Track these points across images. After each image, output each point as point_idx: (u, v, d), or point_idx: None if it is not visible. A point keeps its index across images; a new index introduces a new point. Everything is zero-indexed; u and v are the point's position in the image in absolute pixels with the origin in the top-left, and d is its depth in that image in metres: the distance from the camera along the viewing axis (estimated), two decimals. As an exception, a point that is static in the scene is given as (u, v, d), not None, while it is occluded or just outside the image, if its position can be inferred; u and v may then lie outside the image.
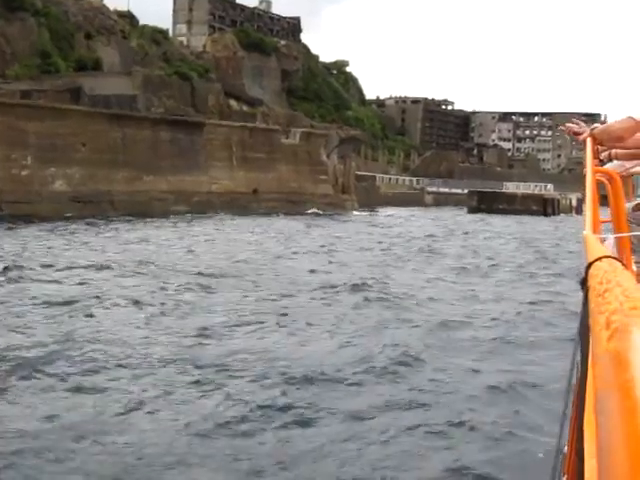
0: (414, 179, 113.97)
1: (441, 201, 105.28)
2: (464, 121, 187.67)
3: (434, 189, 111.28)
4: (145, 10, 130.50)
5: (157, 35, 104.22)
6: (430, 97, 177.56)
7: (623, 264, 1.54)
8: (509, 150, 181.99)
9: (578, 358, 2.09)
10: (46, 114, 58.83)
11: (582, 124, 4.92)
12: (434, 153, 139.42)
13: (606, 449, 0.92)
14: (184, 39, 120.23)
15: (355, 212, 79.79)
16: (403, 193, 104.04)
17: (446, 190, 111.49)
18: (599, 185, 4.46)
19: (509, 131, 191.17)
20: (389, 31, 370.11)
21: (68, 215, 53.81)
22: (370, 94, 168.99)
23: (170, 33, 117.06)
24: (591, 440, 1.37)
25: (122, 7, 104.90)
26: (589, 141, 4.31)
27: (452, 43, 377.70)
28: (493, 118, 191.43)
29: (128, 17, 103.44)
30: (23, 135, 56.49)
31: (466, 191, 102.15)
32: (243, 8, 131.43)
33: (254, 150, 74.82)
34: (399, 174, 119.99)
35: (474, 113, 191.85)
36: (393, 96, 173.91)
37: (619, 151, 4.89)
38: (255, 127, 79.32)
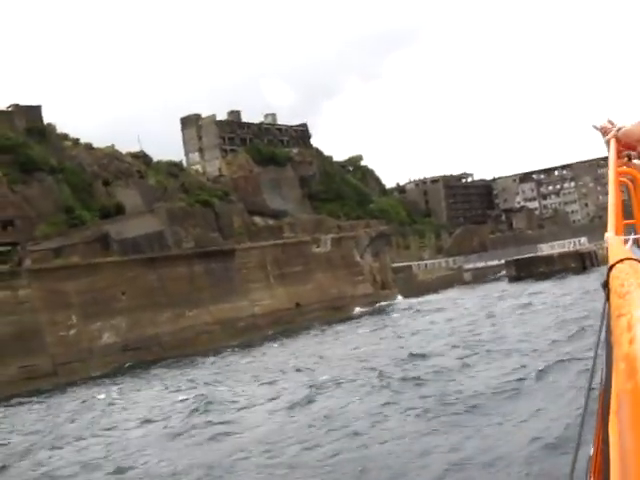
0: (450, 259, 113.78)
1: (479, 276, 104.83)
2: (486, 190, 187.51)
3: (470, 265, 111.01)
4: (156, 147, 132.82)
5: (172, 168, 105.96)
6: (448, 173, 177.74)
7: None
8: (536, 209, 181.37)
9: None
10: (82, 271, 59.98)
11: (615, 123, 4.85)
12: (464, 230, 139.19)
13: (628, 452, 0.93)
14: (199, 167, 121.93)
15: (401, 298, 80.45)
16: (441, 276, 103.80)
17: (482, 264, 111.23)
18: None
19: (532, 190, 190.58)
20: (392, 116, 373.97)
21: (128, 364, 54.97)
22: (389, 182, 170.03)
23: (184, 163, 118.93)
24: (615, 442, 1.36)
25: (134, 148, 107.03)
26: (613, 142, 4.37)
27: (458, 115, 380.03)
28: (514, 181, 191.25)
29: (141, 157, 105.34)
30: (64, 296, 57.55)
31: (502, 261, 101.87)
32: (250, 125, 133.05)
33: (289, 265, 75.40)
34: (433, 256, 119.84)
35: (494, 180, 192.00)
36: (412, 179, 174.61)
37: None
38: (286, 242, 80.00)
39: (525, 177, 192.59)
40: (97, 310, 58.87)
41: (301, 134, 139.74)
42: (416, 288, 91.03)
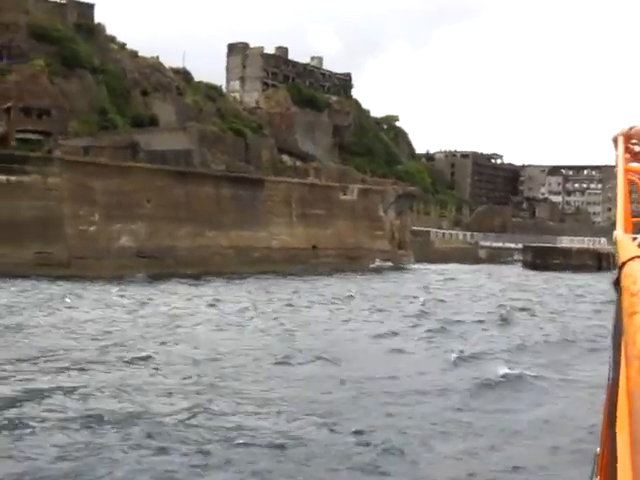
0: (468, 234, 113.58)
1: (494, 256, 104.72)
2: (513, 175, 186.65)
3: (488, 243, 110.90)
4: (199, 67, 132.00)
5: (211, 91, 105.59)
6: (479, 151, 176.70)
7: None
8: (559, 204, 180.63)
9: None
10: (113, 171, 59.87)
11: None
12: (487, 207, 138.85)
13: None
14: (237, 95, 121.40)
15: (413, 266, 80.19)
16: (457, 248, 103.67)
17: (499, 245, 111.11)
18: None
19: (559, 184, 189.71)
20: (434, 83, 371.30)
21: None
22: (420, 148, 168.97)
23: (224, 89, 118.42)
24: (624, 441, 1.34)
25: (177, 64, 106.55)
26: (621, 140, 4.34)
27: (500, 96, 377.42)
28: (542, 172, 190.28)
29: (183, 74, 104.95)
30: (91, 192, 57.56)
31: (520, 245, 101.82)
32: (295, 64, 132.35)
33: (313, 206, 75.10)
34: (450, 228, 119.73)
35: (523, 167, 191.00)
36: (442, 150, 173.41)
37: None
38: (314, 184, 79.75)
39: (554, 170, 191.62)
40: (120, 212, 58.86)
41: (343, 83, 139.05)
42: (431, 254, 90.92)
